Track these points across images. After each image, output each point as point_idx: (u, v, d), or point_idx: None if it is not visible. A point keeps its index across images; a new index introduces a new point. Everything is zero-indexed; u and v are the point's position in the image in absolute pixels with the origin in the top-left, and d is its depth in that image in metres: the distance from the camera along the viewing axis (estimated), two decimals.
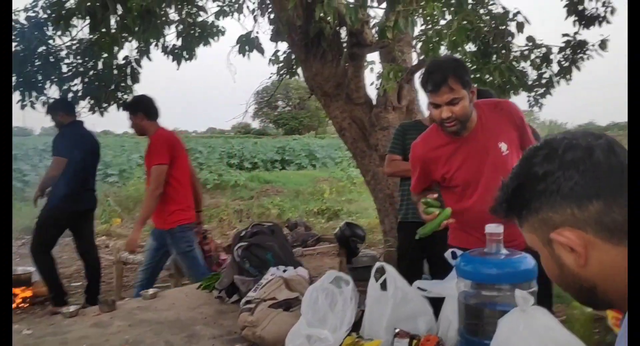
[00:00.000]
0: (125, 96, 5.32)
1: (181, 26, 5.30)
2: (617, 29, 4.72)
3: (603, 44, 4.34)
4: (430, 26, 4.48)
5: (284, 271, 2.30)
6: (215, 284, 2.58)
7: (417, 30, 4.94)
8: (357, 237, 4.55)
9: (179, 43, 5.30)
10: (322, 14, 3.86)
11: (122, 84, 5.23)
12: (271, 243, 2.49)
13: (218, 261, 4.11)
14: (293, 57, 5.26)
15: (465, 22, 3.83)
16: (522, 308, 1.46)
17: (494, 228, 1.71)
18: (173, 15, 5.09)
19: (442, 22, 4.38)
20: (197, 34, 5.38)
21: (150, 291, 2.55)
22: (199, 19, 5.34)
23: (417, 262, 3.15)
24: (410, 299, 1.88)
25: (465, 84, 1.92)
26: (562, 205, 0.73)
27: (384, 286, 1.90)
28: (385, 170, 3.24)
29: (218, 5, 5.33)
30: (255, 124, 50.04)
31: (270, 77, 6.12)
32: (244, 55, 4.49)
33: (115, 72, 5.05)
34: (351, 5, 3.51)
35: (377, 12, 4.54)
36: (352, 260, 4.55)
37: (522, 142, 2.13)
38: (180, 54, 5.31)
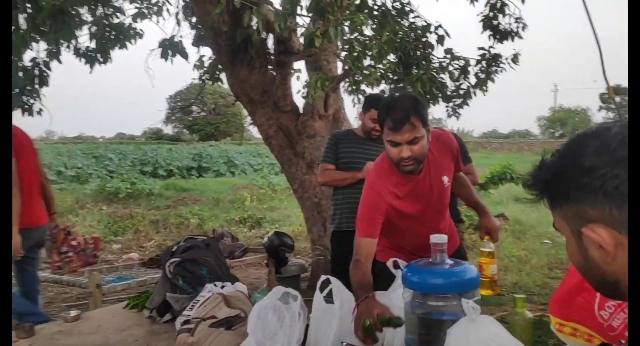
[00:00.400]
0: (31, 100, 4.94)
1: (95, 28, 5.01)
2: (525, 43, 5.05)
3: (515, 58, 4.63)
4: (354, 36, 4.55)
5: (222, 287, 2.21)
6: (144, 303, 2.43)
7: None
8: (286, 246, 4.50)
9: (92, 45, 5.01)
10: (250, 21, 3.80)
11: (29, 88, 4.85)
12: (207, 257, 2.38)
13: (94, 254, 4.14)
14: (218, 62, 5.13)
15: (391, 33, 3.92)
16: (471, 318, 1.49)
17: (438, 239, 1.74)
18: (87, 15, 4.80)
19: (367, 32, 4.46)
20: (113, 37, 5.11)
21: (72, 313, 2.35)
22: (115, 21, 5.07)
23: None
24: None
25: (425, 122, 1.87)
26: (602, 203, 0.71)
27: (328, 297, 1.88)
28: (318, 179, 3.22)
29: (136, 7, 5.10)
30: (168, 130, 48.51)
31: (192, 82, 5.95)
32: (166, 60, 4.32)
33: (21, 74, 4.67)
34: (280, 13, 3.48)
35: (304, 20, 4.54)
36: (281, 270, 4.50)
37: (455, 170, 2.17)
38: (94, 56, 5.01)
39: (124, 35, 5.18)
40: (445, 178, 2.09)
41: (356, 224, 1.97)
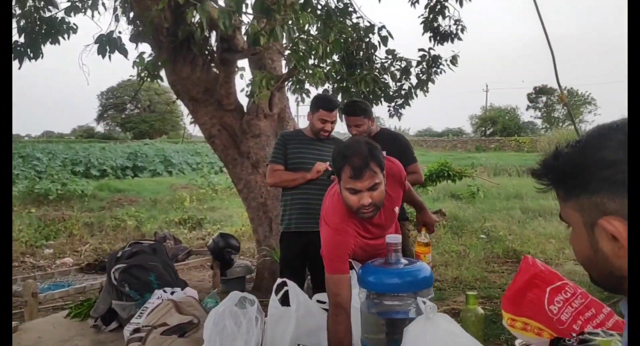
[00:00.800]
0: None
1: (24, 21, 4.73)
2: (462, 45, 5.22)
3: (454, 59, 4.77)
4: (298, 35, 4.54)
5: (172, 293, 2.14)
6: (88, 311, 2.32)
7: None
8: (231, 248, 4.43)
9: (21, 40, 4.72)
10: (193, 18, 3.71)
11: None
12: (154, 263, 2.30)
13: None
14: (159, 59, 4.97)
15: (339, 34, 3.94)
16: (428, 316, 1.53)
17: (393, 239, 1.77)
18: (15, 8, 4.51)
19: (313, 31, 4.47)
20: (44, 31, 4.84)
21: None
22: (47, 14, 4.80)
23: (300, 271, 3.15)
24: (312, 313, 1.86)
25: (382, 168, 1.85)
26: (622, 196, 0.72)
27: (283, 299, 1.87)
28: (267, 180, 3.19)
29: (69, 0, 4.84)
30: (100, 128, 46.67)
31: (128, 79, 5.73)
32: (103, 57, 4.13)
33: None
34: (225, 11, 3.42)
35: (248, 18, 4.48)
36: (227, 272, 4.42)
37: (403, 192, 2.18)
38: (24, 52, 4.73)
39: (57, 30, 4.91)
40: (397, 209, 2.10)
41: (326, 263, 1.89)
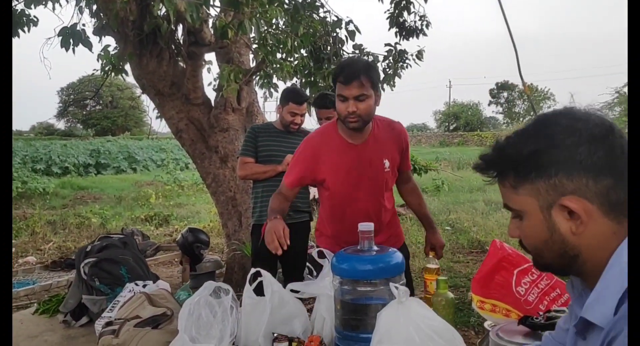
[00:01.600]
0: None
1: None
2: (427, 40, 5.31)
3: (419, 54, 4.85)
4: (267, 29, 4.54)
5: (144, 286, 2.13)
6: (57, 307, 2.29)
7: (253, 33, 4.98)
8: (201, 243, 4.40)
9: None
10: (159, 11, 3.67)
11: None
12: (125, 256, 2.28)
13: None
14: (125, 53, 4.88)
15: (308, 29, 3.96)
16: (400, 300, 1.57)
17: (365, 227, 1.81)
18: None
19: (280, 25, 4.47)
20: None
21: None
22: None
23: (272, 263, 3.16)
24: (286, 302, 1.88)
25: (374, 86, 2.01)
26: (580, 175, 0.78)
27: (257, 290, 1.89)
28: (238, 173, 3.19)
29: None
30: (61, 125, 45.40)
31: (92, 74, 5.59)
32: (67, 50, 4.03)
33: None
34: (193, 3, 3.39)
35: (215, 11, 4.45)
36: (196, 267, 4.39)
37: (401, 165, 2.25)
38: None
39: (16, 22, 4.75)
40: (387, 162, 2.17)
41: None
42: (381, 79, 5.07)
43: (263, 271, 1.87)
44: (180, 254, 4.48)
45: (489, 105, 47.78)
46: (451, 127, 45.02)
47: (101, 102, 42.65)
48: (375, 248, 1.82)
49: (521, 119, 41.17)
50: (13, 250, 6.47)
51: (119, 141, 24.34)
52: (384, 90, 5.10)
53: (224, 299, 1.69)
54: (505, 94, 46.20)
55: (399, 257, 1.79)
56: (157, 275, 2.43)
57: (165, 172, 13.94)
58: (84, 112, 44.13)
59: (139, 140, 25.57)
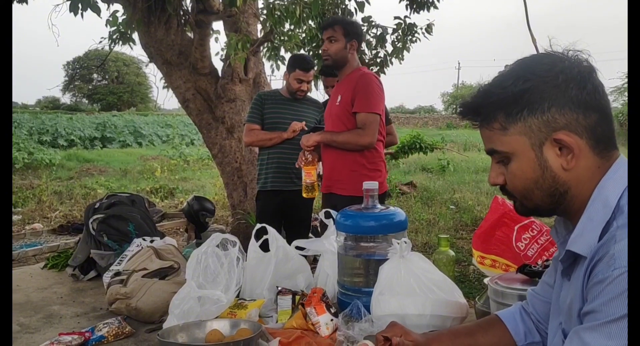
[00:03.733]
0: None
1: None
2: (436, 20, 5.26)
3: (429, 28, 4.81)
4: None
5: (152, 241, 2.17)
6: (65, 263, 2.34)
7: (261, 1, 4.95)
8: (206, 211, 4.44)
9: None
10: None
11: None
12: (132, 213, 2.32)
13: None
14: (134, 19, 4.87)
15: None
16: (402, 254, 1.60)
17: (370, 185, 1.83)
18: None
19: None
20: None
21: None
22: None
23: (276, 228, 3.20)
24: (290, 257, 1.92)
25: (346, 34, 2.55)
26: (571, 110, 0.80)
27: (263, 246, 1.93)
28: (244, 139, 3.21)
29: None
30: (66, 99, 45.38)
31: (98, 48, 5.59)
32: (75, 15, 4.02)
33: None
34: None
35: None
36: (201, 235, 4.45)
37: (353, 107, 2.54)
38: None
39: None
40: (339, 97, 2.60)
41: None
42: (389, 52, 5.05)
43: (268, 227, 1.90)
44: (185, 222, 4.53)
45: None
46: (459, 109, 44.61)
47: (107, 77, 42.54)
48: (379, 206, 1.85)
49: None
50: (19, 217, 6.56)
51: (124, 116, 24.36)
52: (392, 63, 5.08)
53: (230, 251, 1.72)
54: None
55: (401, 214, 1.82)
56: (164, 233, 2.47)
57: (171, 147, 13.98)
58: (90, 87, 44.04)
59: (144, 116, 25.57)
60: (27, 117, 18.39)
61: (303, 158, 2.58)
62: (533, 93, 0.81)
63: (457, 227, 6.24)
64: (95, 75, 43.19)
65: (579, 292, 0.79)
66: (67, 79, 41.96)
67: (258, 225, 1.92)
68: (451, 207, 7.46)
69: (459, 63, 58.13)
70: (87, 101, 45.07)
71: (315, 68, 3.37)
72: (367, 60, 4.96)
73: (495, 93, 0.84)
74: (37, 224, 6.17)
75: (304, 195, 2.61)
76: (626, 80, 21.82)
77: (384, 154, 2.69)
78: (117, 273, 1.92)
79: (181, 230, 4.99)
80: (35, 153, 11.97)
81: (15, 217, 6.68)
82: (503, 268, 1.56)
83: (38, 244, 3.71)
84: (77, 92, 45.58)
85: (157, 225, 4.58)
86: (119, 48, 5.64)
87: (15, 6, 4.64)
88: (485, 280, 1.68)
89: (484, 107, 0.86)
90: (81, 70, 41.66)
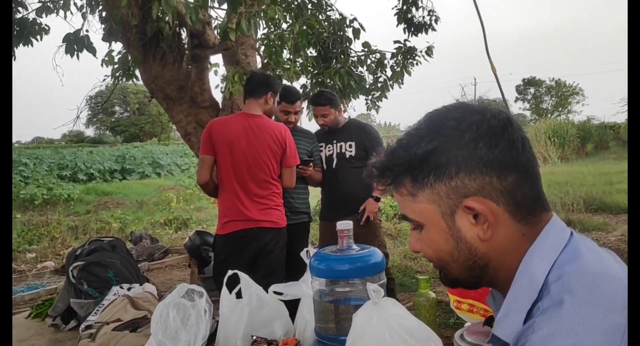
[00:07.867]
0: None
1: None
2: (438, 36, 5.21)
3: (429, 50, 4.75)
4: (272, 30, 4.51)
5: (129, 289, 2.11)
6: (47, 311, 2.29)
7: (260, 33, 4.96)
8: (208, 245, 4.39)
9: None
10: (159, 14, 3.68)
11: None
12: (112, 259, 2.27)
13: None
14: (130, 57, 4.94)
15: (305, 27, 3.92)
16: (374, 301, 1.50)
17: (344, 225, 1.75)
18: None
19: (284, 26, 4.45)
20: (16, 33, 4.77)
21: None
22: (18, 16, 4.74)
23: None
24: (266, 304, 1.84)
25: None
26: (482, 173, 0.69)
27: (238, 294, 1.84)
28: None
29: (40, 1, 4.78)
30: (90, 132, 46.50)
31: (105, 79, 5.66)
32: (72, 56, 4.07)
33: None
34: (191, 5, 3.38)
35: (218, 13, 4.45)
36: (204, 270, 4.38)
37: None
38: None
39: (28, 31, 4.85)
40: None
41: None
42: (389, 77, 5.01)
43: (240, 273, 1.82)
44: (188, 257, 4.48)
45: (515, 101, 46.94)
46: None
47: (129, 108, 43.49)
48: (354, 247, 1.76)
49: (549, 115, 40.25)
50: (33, 255, 6.60)
51: (145, 147, 24.74)
52: (392, 88, 5.03)
53: (197, 302, 1.65)
54: (532, 90, 45.29)
55: (378, 255, 1.73)
56: (149, 278, 2.41)
57: (187, 176, 14.07)
58: (112, 119, 45.05)
59: (165, 146, 25.95)
60: (48, 153, 18.80)
61: None
62: (439, 156, 0.70)
63: None
64: (117, 108, 44.21)
65: None
66: (90, 112, 43.01)
67: (230, 272, 1.84)
68: None
69: (475, 79, 57.62)
70: (110, 133, 46.10)
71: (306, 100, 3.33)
72: (367, 86, 4.92)
73: (400, 155, 0.74)
74: (49, 262, 6.20)
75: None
76: None
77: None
78: (89, 326, 1.85)
79: (184, 264, 4.93)
80: (55, 188, 12.15)
81: (29, 255, 6.73)
82: (481, 314, 1.45)
83: (40, 286, 3.69)
84: (100, 124, 46.66)
85: (159, 261, 4.57)
86: (131, 82, 5.72)
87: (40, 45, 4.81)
88: (466, 325, 1.57)
89: (390, 170, 0.75)
90: (102, 103, 42.74)
